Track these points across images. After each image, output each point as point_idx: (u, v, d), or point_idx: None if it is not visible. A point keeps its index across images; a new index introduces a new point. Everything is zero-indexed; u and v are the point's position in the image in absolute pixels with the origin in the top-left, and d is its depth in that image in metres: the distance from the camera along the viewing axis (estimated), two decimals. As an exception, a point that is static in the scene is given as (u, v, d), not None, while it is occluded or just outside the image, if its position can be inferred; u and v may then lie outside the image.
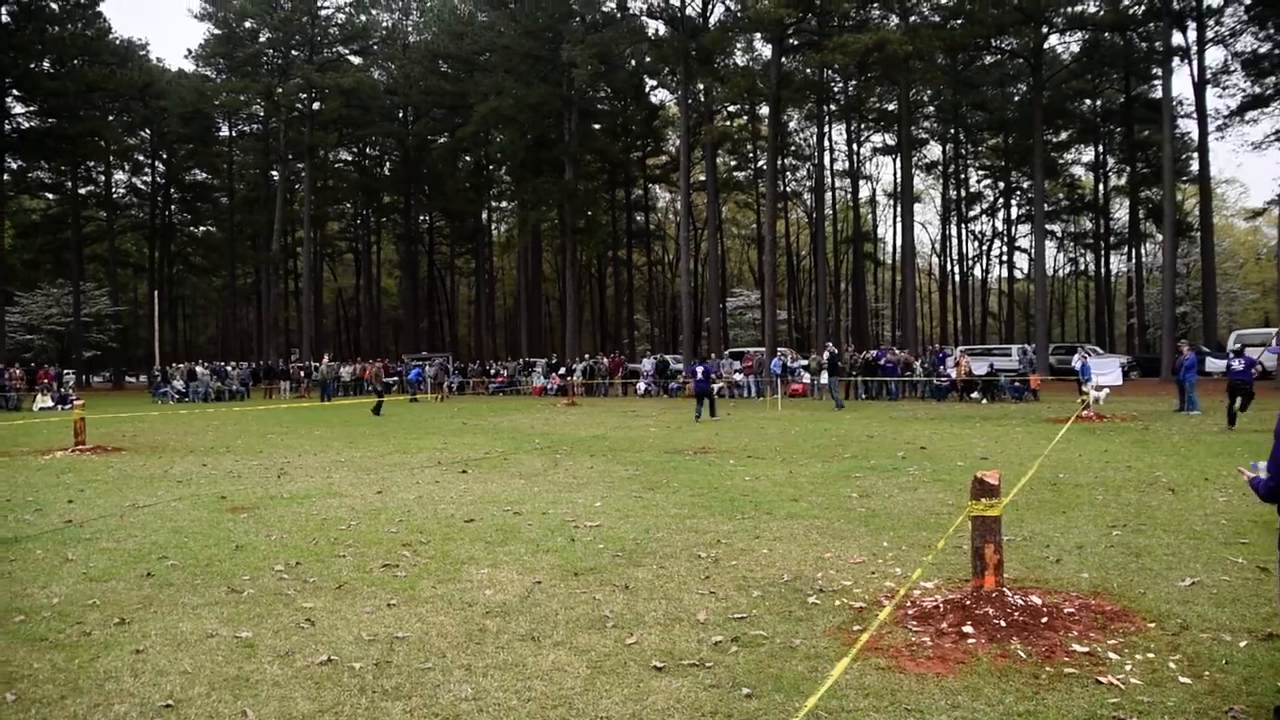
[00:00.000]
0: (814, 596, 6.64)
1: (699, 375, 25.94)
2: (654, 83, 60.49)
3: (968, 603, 6.04)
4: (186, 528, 9.74)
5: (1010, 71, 54.60)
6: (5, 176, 62.95)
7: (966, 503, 9.58)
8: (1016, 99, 56.71)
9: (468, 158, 67.66)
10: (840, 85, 57.29)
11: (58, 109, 61.01)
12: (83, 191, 70.27)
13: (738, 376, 38.90)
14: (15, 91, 60.89)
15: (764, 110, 54.01)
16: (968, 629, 5.68)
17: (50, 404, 36.99)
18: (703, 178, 58.40)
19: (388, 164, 74.82)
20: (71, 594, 7.10)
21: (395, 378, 47.06)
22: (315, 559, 8.17)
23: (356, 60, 68.35)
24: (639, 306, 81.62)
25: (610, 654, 5.47)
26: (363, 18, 68.15)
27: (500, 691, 4.90)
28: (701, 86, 53.83)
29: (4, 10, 58.73)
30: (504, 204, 75.37)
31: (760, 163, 63.27)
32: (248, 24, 66.33)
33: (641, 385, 41.01)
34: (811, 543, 8.49)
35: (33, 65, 59.41)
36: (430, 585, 7.19)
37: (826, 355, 32.42)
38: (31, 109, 63.04)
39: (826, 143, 61.30)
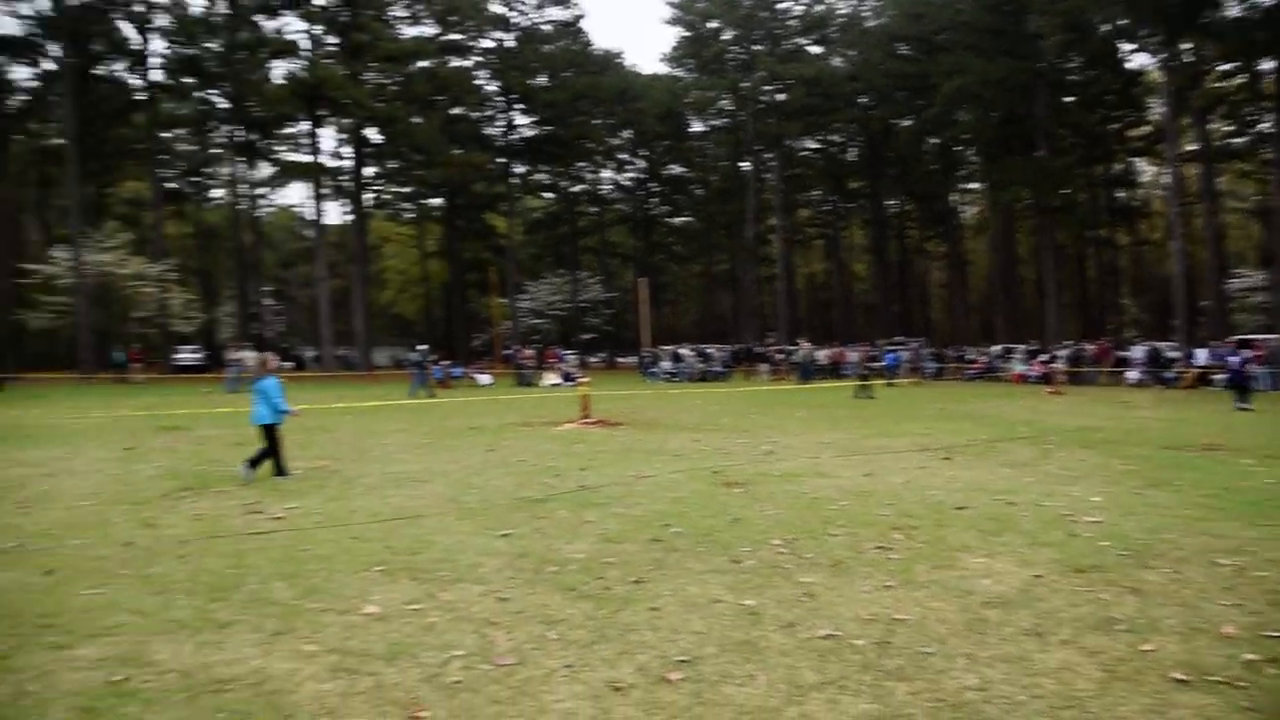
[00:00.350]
0: (1368, 619, 5.82)
1: (1236, 363, 24.92)
2: (1131, 46, 55.44)
3: None
4: (686, 499, 10.34)
5: None
6: (513, 180, 70.50)
7: None
8: None
9: (933, 139, 66.09)
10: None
11: (552, 118, 67.49)
12: (575, 190, 77.26)
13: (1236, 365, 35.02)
14: (519, 105, 68.09)
15: (1266, 65, 47.84)
16: None
17: (558, 381, 40.82)
18: (1192, 147, 52.99)
19: (853, 150, 75.00)
20: (592, 552, 7.79)
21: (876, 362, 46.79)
22: (809, 536, 8.36)
23: (816, 50, 69.22)
24: (1124, 289, 75.72)
25: (1124, 659, 5.13)
26: (820, 7, 68.78)
27: (1006, 684, 4.77)
28: (1187, 45, 48.61)
29: (511, 36, 65.80)
30: (973, 185, 73.00)
31: (1263, 125, 56.22)
32: (712, 24, 69.32)
33: (1132, 374, 38.12)
34: (1360, 557, 7.44)
35: (531, 81, 66.09)
36: (925, 570, 7.13)
37: None
38: (532, 119, 70.17)
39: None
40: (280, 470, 12.08)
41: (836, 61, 67.72)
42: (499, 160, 68.16)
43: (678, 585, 6.71)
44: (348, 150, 62.98)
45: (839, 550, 7.79)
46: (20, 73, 59.37)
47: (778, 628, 5.71)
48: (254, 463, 11.96)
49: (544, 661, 5.12)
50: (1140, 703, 4.54)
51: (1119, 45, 54.49)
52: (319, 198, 60.64)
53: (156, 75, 57.98)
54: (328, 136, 69.68)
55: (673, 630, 5.66)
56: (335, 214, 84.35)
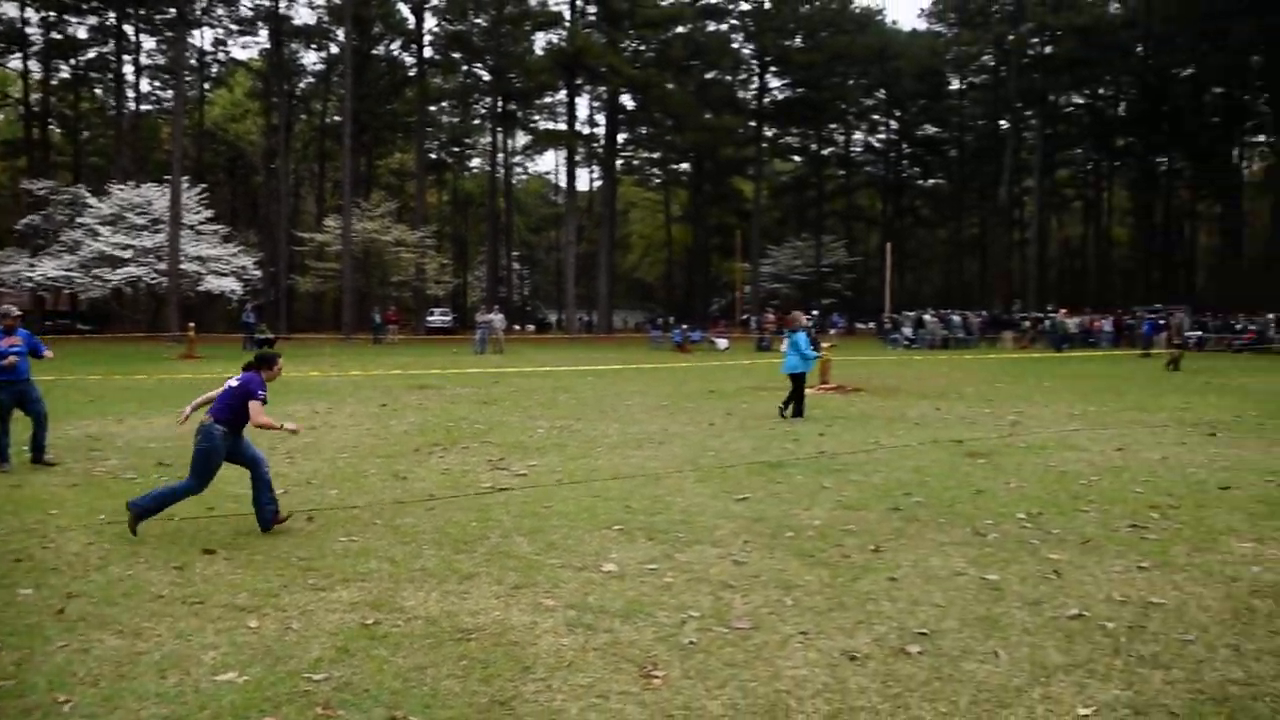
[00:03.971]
0: None
1: None
2: None
3: None
4: (927, 468, 10.12)
5: None
6: (763, 144, 70.26)
7: None
8: None
9: (1218, 89, 61.28)
10: None
11: (806, 79, 66.62)
12: (824, 153, 76.17)
13: None
14: (773, 68, 67.60)
15: None
16: None
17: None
18: None
19: (1123, 104, 70.57)
20: (829, 518, 7.74)
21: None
22: (1056, 511, 8.04)
23: (1091, -4, 65.36)
24: None
25: None
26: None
27: (1277, 681, 4.42)
28: None
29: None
30: (1261, 138, 67.36)
31: None
32: (981, -26, 66.57)
33: None
34: None
35: (787, 43, 65.42)
36: (1184, 553, 6.70)
37: None
38: (785, 81, 69.56)
39: None
40: (800, 413, 14.63)
41: (1114, 7, 63.69)
42: (750, 124, 68.05)
43: (918, 556, 6.59)
44: (601, 118, 64.60)
45: (1089, 527, 7.45)
46: (309, 58, 63.99)
47: (1022, 605, 5.51)
48: (786, 405, 14.74)
49: (779, 627, 5.12)
50: None
51: None
52: (571, 164, 62.33)
53: (427, 52, 61.01)
54: (583, 105, 71.55)
55: (912, 601, 5.56)
56: (585, 180, 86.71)
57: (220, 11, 58.65)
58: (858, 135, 79.62)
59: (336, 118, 61.29)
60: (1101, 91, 70.69)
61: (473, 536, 7.13)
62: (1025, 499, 8.54)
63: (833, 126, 75.29)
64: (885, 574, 6.12)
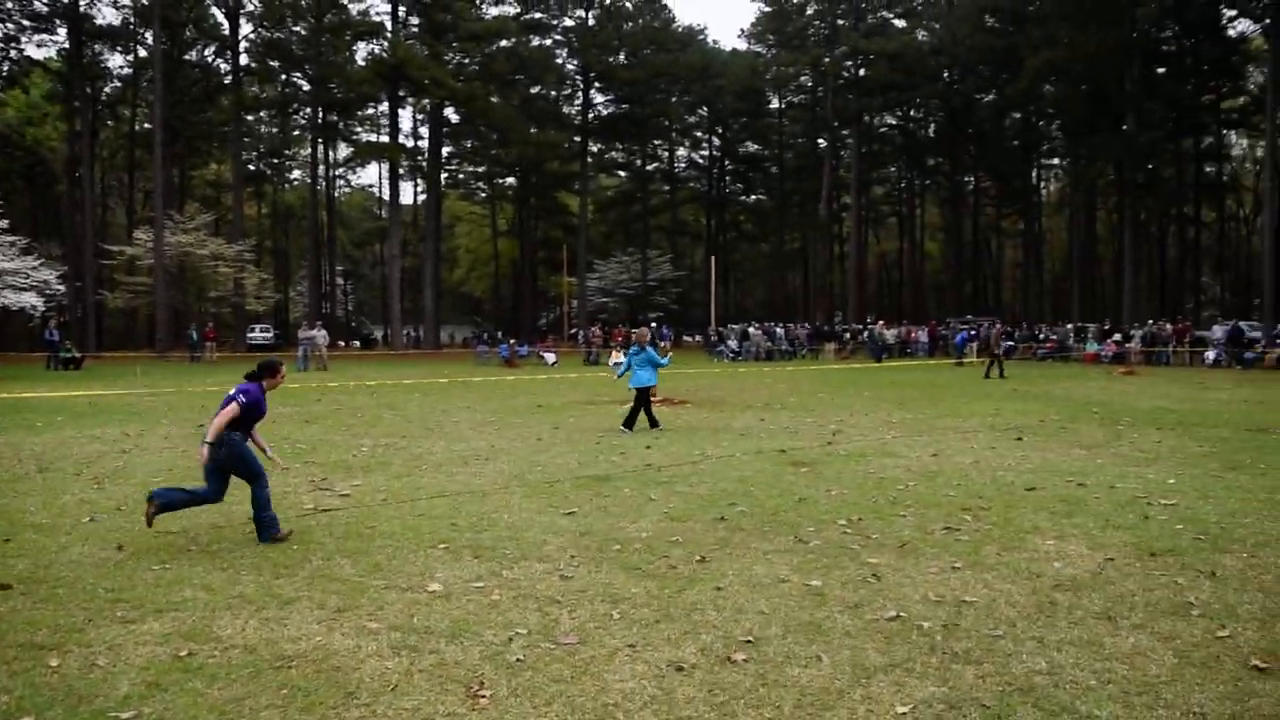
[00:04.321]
0: None
1: None
2: (1233, 13, 53.67)
3: None
4: (751, 478, 10.30)
5: None
6: (588, 159, 70.71)
7: None
8: None
9: (1016, 115, 64.94)
10: None
11: (630, 96, 67.48)
12: (649, 168, 77.16)
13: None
14: (598, 84, 68.23)
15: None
16: None
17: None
18: (1292, 116, 51.27)
19: (932, 126, 73.98)
20: (656, 530, 7.79)
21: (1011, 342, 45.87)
22: (875, 516, 8.29)
23: (901, 23, 68.26)
24: (1206, 268, 73.79)
25: (1199, 645, 5.00)
26: (908, -20, 67.80)
27: (1077, 669, 4.66)
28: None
29: (590, 14, 65.86)
30: (1055, 161, 71.63)
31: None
32: (796, -1, 68.72)
33: (1210, 354, 37.18)
34: None
35: (611, 60, 66.13)
36: (994, 552, 7.02)
37: None
38: (610, 97, 70.28)
39: None
40: (653, 423, 15.17)
41: (921, 35, 66.69)
42: (575, 139, 68.37)
43: (743, 565, 6.68)
44: (425, 130, 63.76)
45: (906, 531, 7.71)
46: (115, 60, 60.93)
47: (843, 608, 5.65)
48: (634, 419, 14.99)
49: (607, 641, 5.11)
50: (1216, 690, 4.41)
51: (1220, 10, 52.64)
52: (395, 177, 61.34)
53: (243, 59, 59.01)
54: (406, 117, 70.56)
55: (737, 610, 5.63)
56: (409, 194, 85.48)
57: (10, 5, 54.99)
58: (681, 151, 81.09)
59: (147, 125, 58.66)
60: (912, 113, 73.90)
61: (293, 560, 6.88)
62: (846, 505, 8.77)
63: (657, 142, 76.38)
64: (711, 584, 6.18)
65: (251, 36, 58.93)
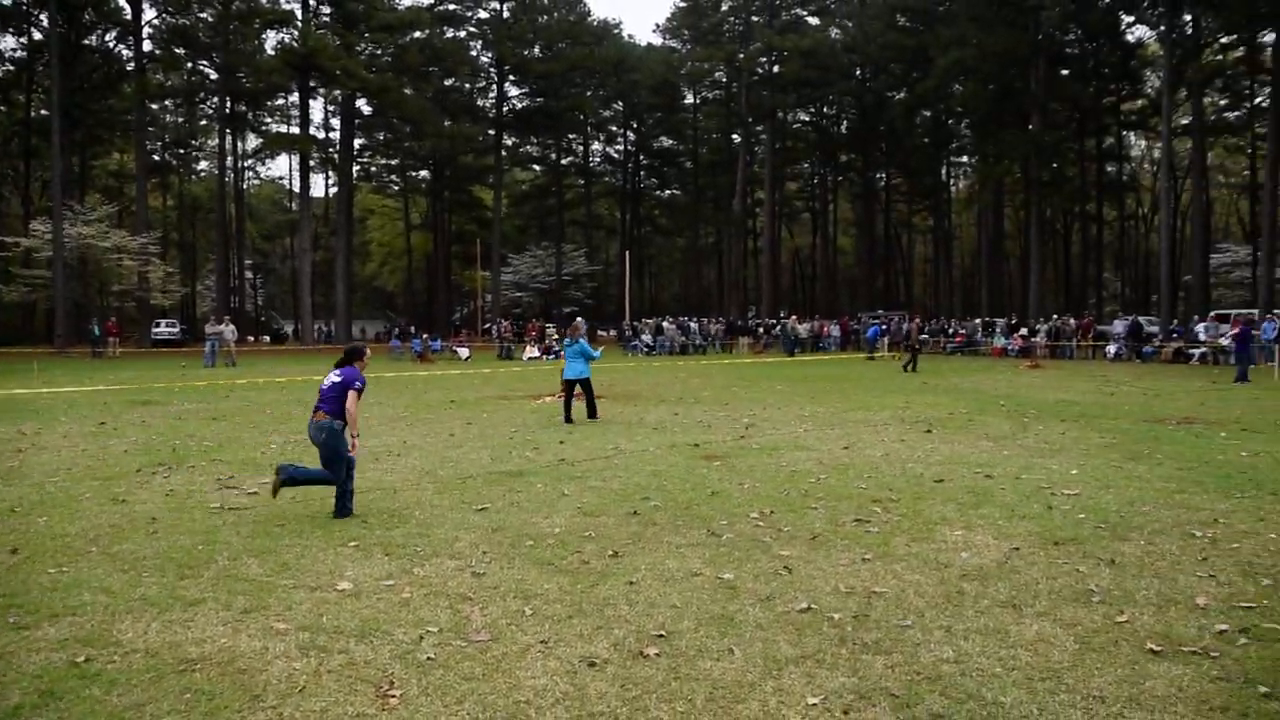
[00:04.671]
0: (1342, 593, 5.83)
1: (1238, 336, 25.64)
2: (1131, 18, 55.41)
3: None
4: (665, 471, 10.33)
5: None
6: (503, 152, 70.24)
7: None
8: None
9: (926, 113, 66.09)
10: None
11: (545, 89, 67.13)
12: (564, 162, 76.91)
13: (1223, 341, 35.11)
14: (512, 77, 67.77)
15: (1267, 38, 47.85)
16: None
17: (537, 355, 40.67)
18: (1186, 121, 52.98)
19: (845, 122, 74.95)
20: (569, 525, 7.78)
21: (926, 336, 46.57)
22: (788, 509, 8.37)
23: (814, 21, 69.04)
24: (1108, 264, 75.97)
25: (1099, 630, 5.14)
26: (822, -22, 68.53)
27: (983, 657, 4.76)
28: (1189, 17, 48.55)
29: (505, 7, 65.37)
30: (964, 159, 73.08)
31: (1259, 99, 56.32)
32: (712, -5, 69.07)
33: (1111, 348, 38.25)
34: (1332, 530, 7.48)
35: (526, 53, 65.74)
36: (904, 543, 7.14)
37: None
38: (524, 91, 69.88)
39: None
40: (593, 414, 15.62)
41: (834, 33, 67.52)
42: (489, 132, 67.88)
43: (655, 559, 6.70)
44: (337, 122, 62.73)
45: (817, 523, 7.80)
46: (7, 42, 58.74)
47: (755, 601, 5.69)
48: (580, 410, 15.62)
49: (519, 637, 5.09)
50: (1115, 674, 4.54)
51: (1120, 16, 54.36)
52: (305, 170, 60.27)
53: (146, 45, 57.27)
54: (317, 108, 69.38)
55: (649, 604, 5.64)
56: (320, 186, 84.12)
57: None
58: (596, 145, 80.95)
59: (44, 111, 56.70)
60: (826, 110, 74.75)
61: (199, 560, 6.72)
62: (758, 499, 8.84)
63: (572, 136, 76.17)
64: (624, 578, 6.19)
65: (155, 22, 57.35)
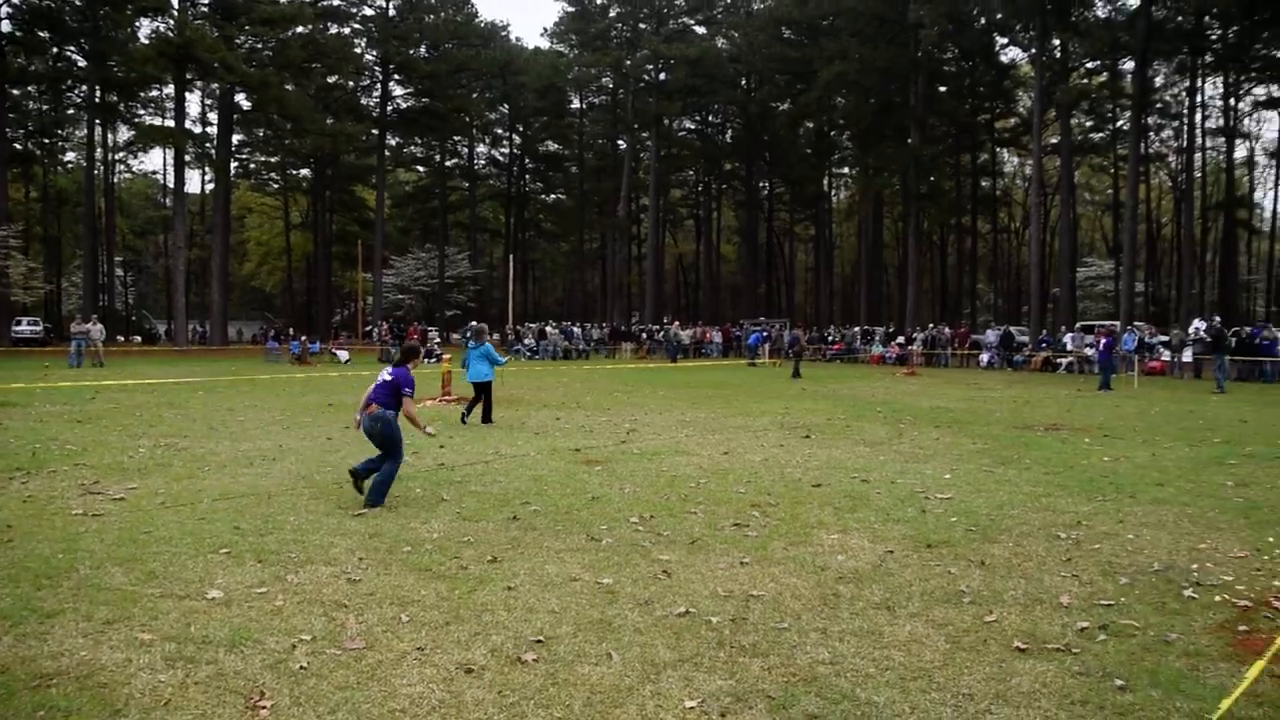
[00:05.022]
0: (1189, 589, 6.13)
1: (1102, 347, 26.69)
2: (1005, 40, 57.46)
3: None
4: (546, 477, 10.29)
5: None
6: (386, 153, 69.11)
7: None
8: None
9: (809, 124, 67.29)
10: (1219, 33, 51.90)
11: (431, 90, 66.25)
12: (449, 163, 76.12)
13: (1088, 351, 36.51)
14: (397, 76, 66.74)
15: (1127, 65, 50.13)
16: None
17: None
18: (1055, 140, 55.03)
19: (730, 132, 75.79)
20: (448, 530, 7.69)
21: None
22: (668, 514, 8.41)
23: (701, 30, 69.66)
24: (982, 276, 78.46)
25: (969, 630, 5.30)
26: (708, -12, 69.13)
27: (857, 658, 4.86)
28: (1058, 42, 50.52)
29: (390, 4, 64.38)
30: (846, 170, 74.60)
31: (1120, 122, 58.87)
32: (599, 0, 68.99)
33: (985, 357, 39.48)
34: (1183, 531, 7.86)
35: (412, 52, 64.81)
36: (781, 547, 7.24)
37: (1211, 330, 29.99)
38: (409, 91, 68.88)
39: (1198, 98, 55.87)
40: (488, 418, 15.71)
41: (721, 43, 68.12)
42: (372, 131, 66.69)
43: (535, 564, 6.67)
44: (214, 116, 60.84)
45: (697, 528, 7.85)
46: None
47: (634, 605, 5.70)
48: (469, 412, 15.80)
49: (395, 644, 5.00)
50: (983, 672, 4.68)
51: (994, 38, 56.40)
52: (181, 165, 58.33)
53: (5, 26, 54.58)
54: (194, 101, 67.13)
55: (528, 610, 5.60)
56: (197, 182, 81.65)
57: None
58: (481, 148, 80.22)
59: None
60: (711, 119, 75.51)
61: (58, 570, 6.41)
62: (639, 503, 8.87)
63: (457, 138, 75.34)
64: (503, 584, 6.13)
65: (16, 2, 54.81)
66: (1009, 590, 6.10)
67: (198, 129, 62.82)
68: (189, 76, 55.49)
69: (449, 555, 6.89)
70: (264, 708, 4.18)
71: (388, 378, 8.97)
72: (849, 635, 5.21)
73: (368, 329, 58.88)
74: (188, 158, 59.66)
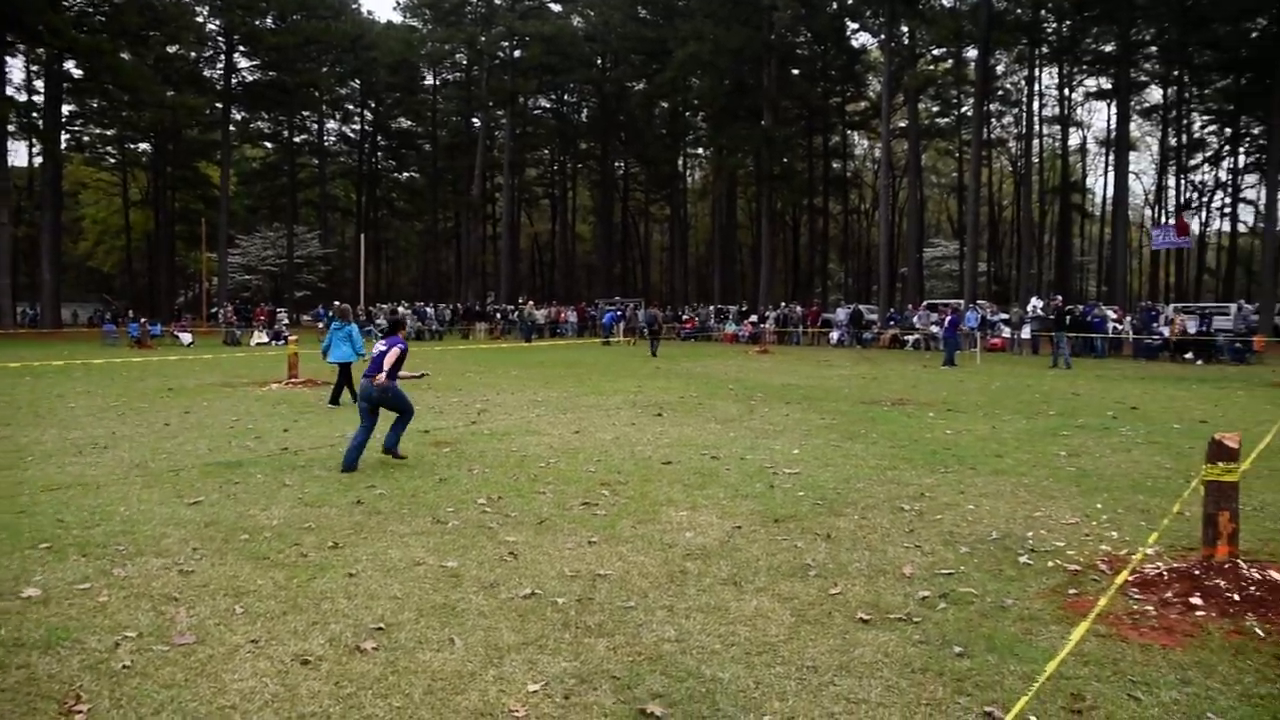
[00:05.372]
0: (1025, 556, 6.37)
1: (947, 324, 28.12)
2: (855, 25, 58.87)
3: (1196, 573, 5.65)
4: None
5: (1250, 4, 49.97)
6: (231, 127, 66.62)
7: (1188, 467, 9.10)
8: (1255, 35, 51.93)
9: (665, 104, 67.69)
10: (1054, 26, 54.22)
11: (278, 62, 64.09)
12: (298, 140, 73.95)
13: (934, 329, 37.77)
14: (242, 47, 64.31)
15: (971, 53, 51.92)
16: (1196, 600, 5.31)
17: (266, 340, 39.05)
18: (903, 124, 56.60)
19: (585, 111, 75.63)
20: (289, 517, 7.46)
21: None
22: (516, 494, 8.34)
23: (557, 8, 69.22)
24: (833, 255, 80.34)
25: (814, 603, 5.38)
26: (564, -35, 68.73)
27: (703, 635, 4.88)
28: (906, 29, 51.95)
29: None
30: (700, 150, 75.26)
31: (965, 108, 61.05)
32: (453, -25, 67.96)
33: (835, 334, 40.43)
34: (1020, 500, 8.17)
35: (258, 22, 62.54)
36: (630, 525, 7.24)
37: (1051, 309, 31.38)
38: (255, 63, 66.49)
39: (1036, 87, 58.26)
40: (353, 397, 14.89)
41: (576, 21, 67.90)
42: (216, 105, 64.17)
43: (378, 549, 6.52)
44: (41, 84, 57.60)
45: (545, 508, 7.80)
46: None
47: (479, 589, 5.62)
48: (338, 395, 15.63)
49: (228, 638, 4.81)
50: (827, 644, 4.76)
51: (845, 23, 57.62)
52: (3, 135, 55.19)
53: None
54: (17, 67, 63.30)
55: (369, 597, 5.47)
56: (23, 155, 77.24)
57: None
58: (332, 124, 78.18)
59: None
60: (566, 97, 75.24)
61: None
62: (487, 484, 8.78)
63: (306, 113, 73.18)
64: (343, 570, 5.98)
65: None
66: (854, 562, 6.22)
67: (23, 97, 59.37)
68: (10, 39, 52.41)
69: (289, 542, 6.67)
70: (79, 712, 3.95)
71: (383, 348, 9.73)
72: (695, 612, 5.22)
73: (213, 310, 56.88)
74: (11, 128, 56.40)
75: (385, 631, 4.90)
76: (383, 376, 9.52)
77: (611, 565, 6.13)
